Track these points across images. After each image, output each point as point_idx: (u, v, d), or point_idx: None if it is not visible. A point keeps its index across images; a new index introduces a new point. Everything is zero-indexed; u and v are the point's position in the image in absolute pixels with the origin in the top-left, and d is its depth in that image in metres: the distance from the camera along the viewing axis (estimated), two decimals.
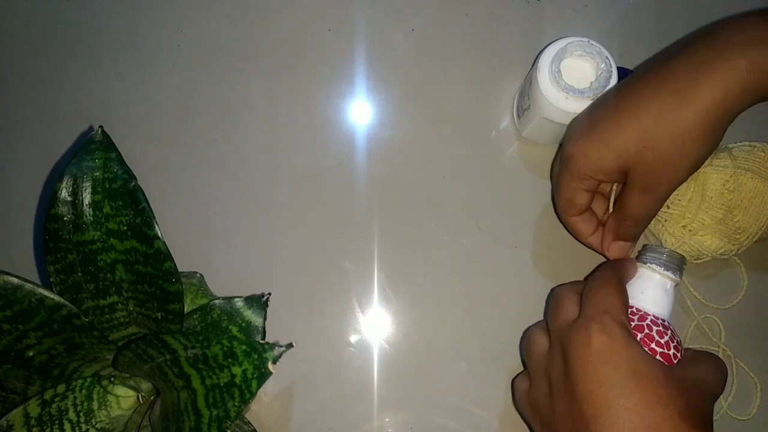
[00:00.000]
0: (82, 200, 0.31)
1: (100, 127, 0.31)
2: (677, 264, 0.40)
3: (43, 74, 0.51)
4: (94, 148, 0.30)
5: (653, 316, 0.38)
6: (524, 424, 0.43)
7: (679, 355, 0.37)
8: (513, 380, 0.43)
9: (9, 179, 0.50)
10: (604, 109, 0.39)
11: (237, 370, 0.27)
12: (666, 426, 0.32)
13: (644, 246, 0.42)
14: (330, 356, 0.46)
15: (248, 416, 0.43)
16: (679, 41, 0.40)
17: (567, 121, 0.42)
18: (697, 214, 0.44)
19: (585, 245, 0.44)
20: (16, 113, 0.51)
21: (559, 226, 0.48)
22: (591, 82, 0.41)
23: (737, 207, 0.43)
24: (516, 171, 0.49)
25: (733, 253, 0.44)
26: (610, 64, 0.41)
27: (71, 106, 0.51)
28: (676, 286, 0.40)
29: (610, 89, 0.41)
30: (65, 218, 0.31)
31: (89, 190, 0.31)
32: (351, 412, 0.45)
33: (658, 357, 0.36)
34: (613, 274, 0.39)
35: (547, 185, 0.49)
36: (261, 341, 0.28)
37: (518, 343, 0.45)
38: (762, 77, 0.35)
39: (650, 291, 0.39)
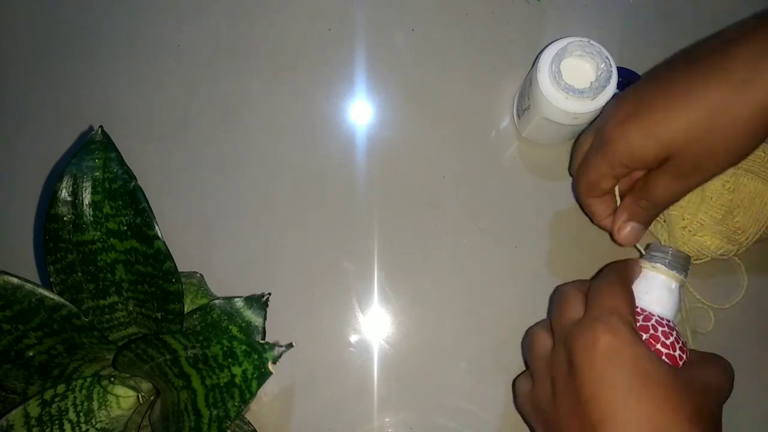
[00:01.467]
0: (82, 200, 0.31)
1: (100, 127, 0.31)
2: (682, 263, 0.39)
3: (43, 74, 0.51)
4: (94, 148, 0.31)
5: (658, 316, 0.38)
6: (524, 424, 0.43)
7: (684, 356, 0.37)
8: (514, 380, 0.43)
9: (9, 179, 0.50)
10: (653, 92, 0.37)
11: (237, 370, 0.27)
12: (675, 430, 0.31)
13: (648, 245, 0.42)
14: (330, 356, 0.46)
15: (248, 416, 0.43)
16: (736, 24, 0.36)
17: (567, 121, 0.42)
18: (697, 215, 0.44)
19: (598, 226, 0.44)
20: (16, 113, 0.51)
21: (559, 226, 0.48)
22: (591, 82, 0.41)
23: (737, 207, 0.43)
24: (516, 171, 0.49)
25: (732, 253, 0.44)
26: (610, 64, 0.41)
27: (71, 106, 0.51)
28: (681, 286, 0.39)
29: (660, 68, 0.39)
30: (65, 218, 0.31)
31: (89, 190, 0.31)
32: (351, 412, 0.45)
33: (663, 358, 0.36)
34: (620, 276, 0.38)
35: (547, 185, 0.49)
36: (261, 341, 0.28)
37: (518, 343, 0.45)
38: None
39: (655, 291, 0.39)
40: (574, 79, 0.41)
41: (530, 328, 0.42)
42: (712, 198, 0.43)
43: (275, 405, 0.45)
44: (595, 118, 0.42)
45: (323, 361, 0.46)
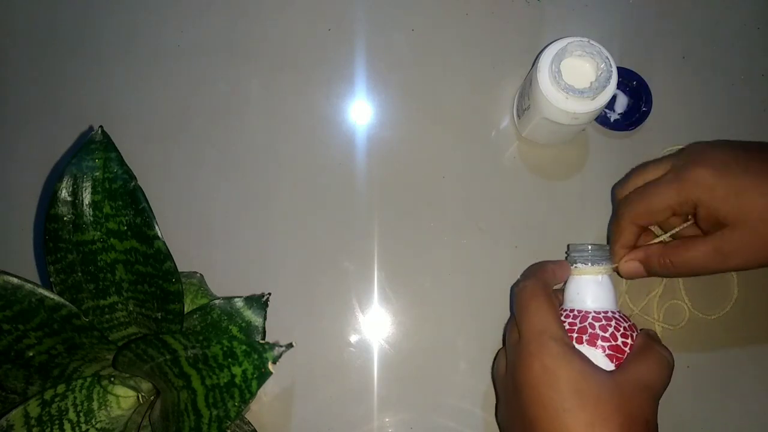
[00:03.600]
0: (82, 200, 0.31)
1: (100, 127, 0.31)
2: (602, 254, 0.41)
3: (43, 74, 0.51)
4: (94, 148, 0.30)
5: (594, 312, 0.39)
6: None
7: (629, 341, 0.38)
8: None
9: (9, 179, 0.50)
10: (758, 158, 0.37)
11: (237, 370, 0.27)
12: None
13: (567, 247, 0.43)
14: (330, 356, 0.46)
15: (248, 416, 0.43)
16: None
17: (567, 121, 0.42)
18: None
19: (608, 243, 0.43)
20: (16, 113, 0.51)
21: (559, 227, 0.48)
22: (591, 82, 0.41)
23: None
24: (516, 171, 0.49)
25: None
26: (610, 64, 0.41)
27: (71, 106, 0.51)
28: (609, 274, 0.41)
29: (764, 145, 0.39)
30: (65, 218, 0.31)
31: (89, 190, 0.31)
32: (351, 412, 0.45)
33: (607, 352, 0.37)
34: (538, 284, 0.39)
35: (547, 185, 0.49)
36: (261, 341, 0.28)
37: None
38: None
39: (585, 289, 0.40)
40: (574, 79, 0.41)
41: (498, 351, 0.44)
42: None
43: (275, 405, 0.45)
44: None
45: (323, 361, 0.46)
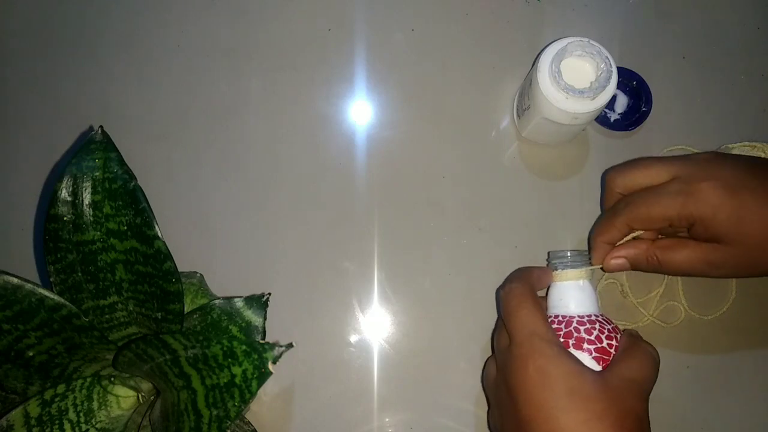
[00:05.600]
0: (82, 200, 0.31)
1: (100, 127, 0.31)
2: (582, 259, 0.41)
3: (43, 74, 0.51)
4: (94, 148, 0.30)
5: (578, 317, 0.39)
6: None
7: (614, 342, 0.38)
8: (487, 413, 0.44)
9: (9, 179, 0.50)
10: (759, 180, 0.37)
11: (237, 370, 0.27)
12: None
13: (548, 254, 0.43)
14: (330, 356, 0.46)
15: (248, 416, 0.43)
16: None
17: (567, 121, 0.42)
18: None
19: (589, 240, 0.44)
20: (16, 113, 0.51)
21: (559, 227, 0.48)
22: (591, 82, 0.41)
23: None
24: (516, 171, 0.49)
25: None
26: (610, 64, 0.41)
27: (71, 106, 0.51)
28: (589, 279, 0.41)
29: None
30: (65, 218, 0.31)
31: (89, 190, 0.31)
32: (351, 412, 0.45)
33: (594, 354, 0.38)
34: (525, 287, 0.39)
35: (547, 185, 0.49)
36: (261, 341, 0.28)
37: None
38: None
39: (567, 295, 0.41)
40: (574, 79, 0.41)
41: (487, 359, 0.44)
42: None
43: (275, 405, 0.45)
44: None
45: (323, 361, 0.46)
